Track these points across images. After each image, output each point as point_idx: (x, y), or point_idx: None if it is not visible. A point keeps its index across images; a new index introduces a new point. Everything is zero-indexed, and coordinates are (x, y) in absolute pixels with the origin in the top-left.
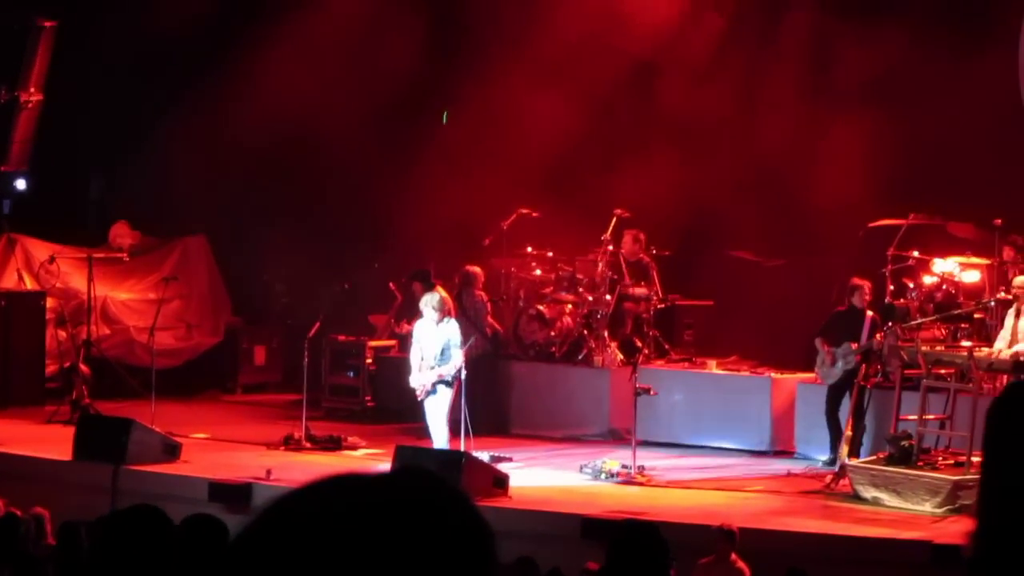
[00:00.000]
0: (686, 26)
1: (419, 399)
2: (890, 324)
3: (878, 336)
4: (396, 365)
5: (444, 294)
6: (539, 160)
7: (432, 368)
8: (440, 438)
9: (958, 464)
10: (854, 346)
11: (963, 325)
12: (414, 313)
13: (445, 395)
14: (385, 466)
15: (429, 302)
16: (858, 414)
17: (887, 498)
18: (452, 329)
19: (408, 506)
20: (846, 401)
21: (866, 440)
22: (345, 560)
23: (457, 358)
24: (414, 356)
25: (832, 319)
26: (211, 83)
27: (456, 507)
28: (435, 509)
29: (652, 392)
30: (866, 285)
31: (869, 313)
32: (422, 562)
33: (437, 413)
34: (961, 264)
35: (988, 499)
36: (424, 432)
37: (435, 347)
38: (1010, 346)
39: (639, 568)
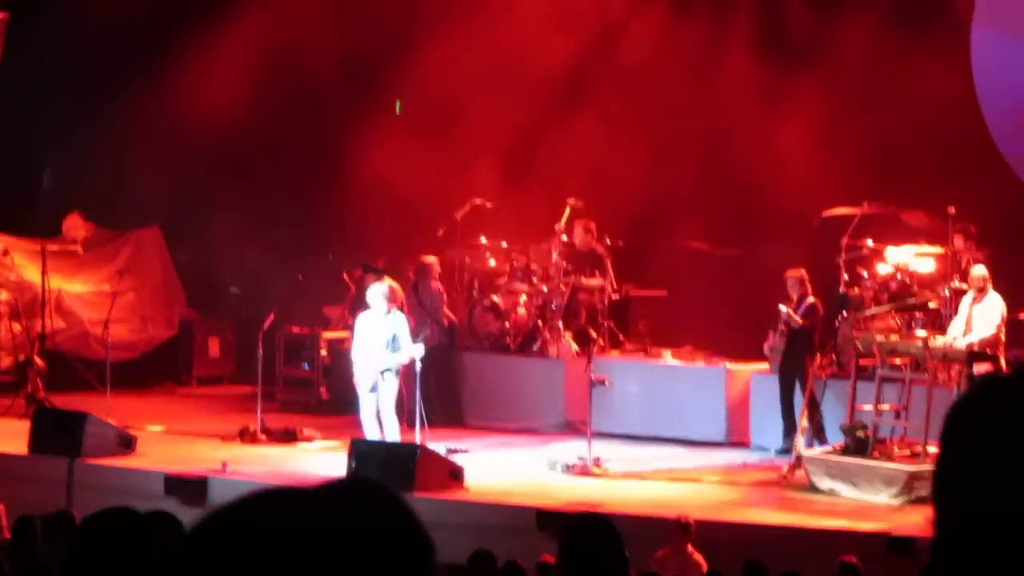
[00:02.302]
0: (638, 13)
1: (359, 391)
2: (844, 314)
3: (781, 307)
4: (351, 357)
5: (393, 284)
6: (492, 149)
7: (378, 360)
8: (391, 430)
9: (914, 454)
10: (782, 314)
11: (918, 314)
12: (367, 305)
13: (392, 384)
14: (339, 460)
15: (377, 291)
16: (812, 404)
17: (843, 489)
18: (399, 320)
19: (346, 519)
20: (800, 392)
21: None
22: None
23: (410, 348)
24: (356, 348)
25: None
26: (163, 73)
27: (396, 520)
28: (374, 524)
29: (607, 383)
30: (796, 274)
31: (809, 300)
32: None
33: (386, 403)
34: (915, 253)
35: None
36: (360, 426)
37: (380, 338)
38: (964, 335)
39: (592, 560)
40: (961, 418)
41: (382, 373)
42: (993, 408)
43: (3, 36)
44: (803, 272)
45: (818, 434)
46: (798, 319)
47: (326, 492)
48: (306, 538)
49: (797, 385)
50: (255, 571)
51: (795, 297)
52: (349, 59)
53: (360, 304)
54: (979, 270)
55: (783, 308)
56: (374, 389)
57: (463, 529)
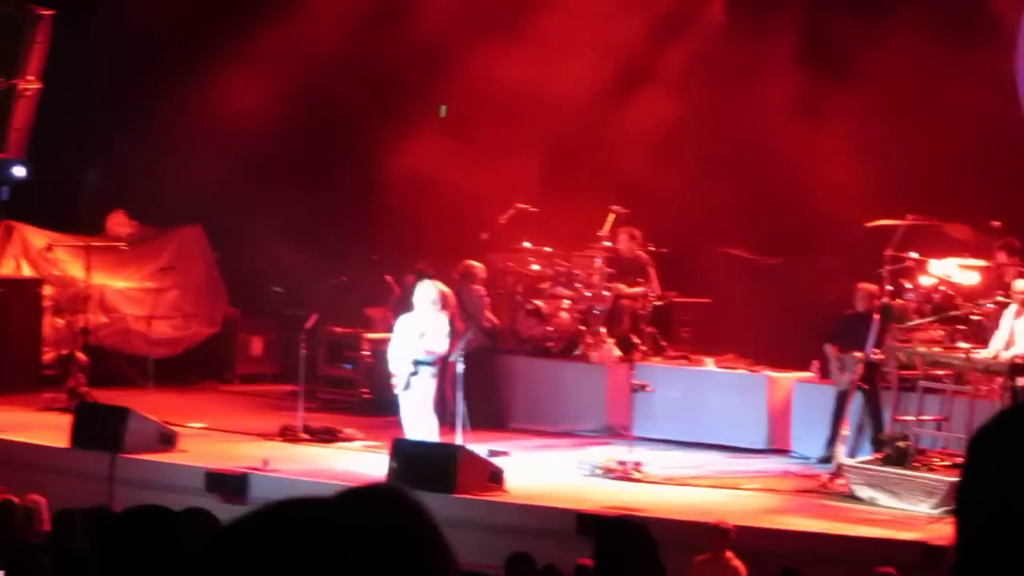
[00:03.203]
0: (683, 22)
1: (396, 391)
2: (887, 325)
3: (876, 352)
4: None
5: (445, 289)
6: (537, 154)
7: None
8: (430, 429)
9: (954, 465)
10: (857, 355)
11: (960, 327)
12: (411, 307)
13: (429, 383)
14: (381, 460)
15: (427, 293)
16: (872, 412)
17: (883, 498)
18: (440, 319)
19: (367, 531)
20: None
21: (863, 440)
22: None
23: (441, 341)
24: (393, 347)
25: (840, 324)
26: (207, 73)
27: (417, 531)
28: (394, 529)
29: (648, 389)
30: (867, 289)
31: (876, 316)
32: None
33: (423, 401)
34: (959, 266)
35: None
36: (400, 426)
37: (414, 334)
38: (1007, 348)
39: (627, 563)
40: (988, 437)
41: (415, 365)
42: (1019, 431)
43: (49, 34)
44: (876, 288)
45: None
46: (879, 357)
47: (346, 498)
48: (326, 544)
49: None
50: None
51: (862, 310)
52: (394, 62)
53: (404, 306)
54: (1022, 284)
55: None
56: (408, 386)
57: (502, 531)
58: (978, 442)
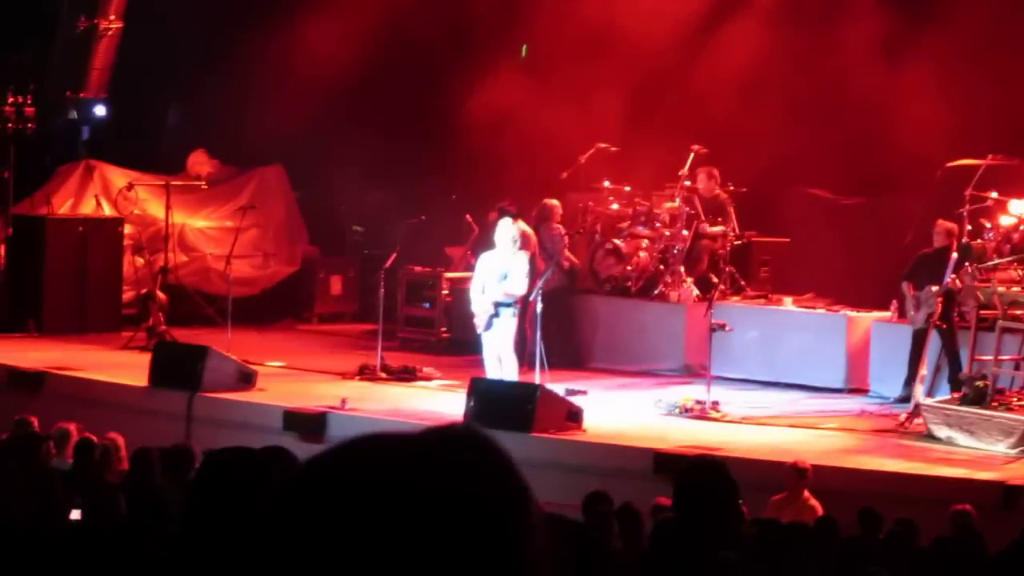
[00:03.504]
0: None
1: (479, 331)
2: (967, 264)
3: (952, 278)
4: (469, 296)
5: (526, 228)
6: (618, 94)
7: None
8: (510, 369)
9: None
10: (934, 288)
11: None
12: (491, 246)
13: (510, 323)
14: (458, 399)
15: (508, 231)
16: (950, 352)
17: (961, 438)
18: (519, 259)
19: (447, 467)
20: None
21: (941, 379)
22: (380, 521)
23: (522, 282)
24: (475, 287)
25: (917, 262)
26: (290, 12)
27: (495, 469)
28: (474, 468)
29: (727, 328)
30: (946, 226)
31: (954, 255)
32: (455, 523)
33: (505, 342)
34: None
35: None
36: (480, 365)
37: (497, 275)
38: None
39: (707, 505)
40: None
41: (496, 307)
42: None
43: None
44: (955, 226)
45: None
46: (954, 281)
47: (425, 438)
48: (407, 479)
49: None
50: (354, 518)
51: (938, 247)
52: (474, 1)
53: (483, 246)
54: None
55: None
56: (490, 326)
57: (579, 471)
58: None
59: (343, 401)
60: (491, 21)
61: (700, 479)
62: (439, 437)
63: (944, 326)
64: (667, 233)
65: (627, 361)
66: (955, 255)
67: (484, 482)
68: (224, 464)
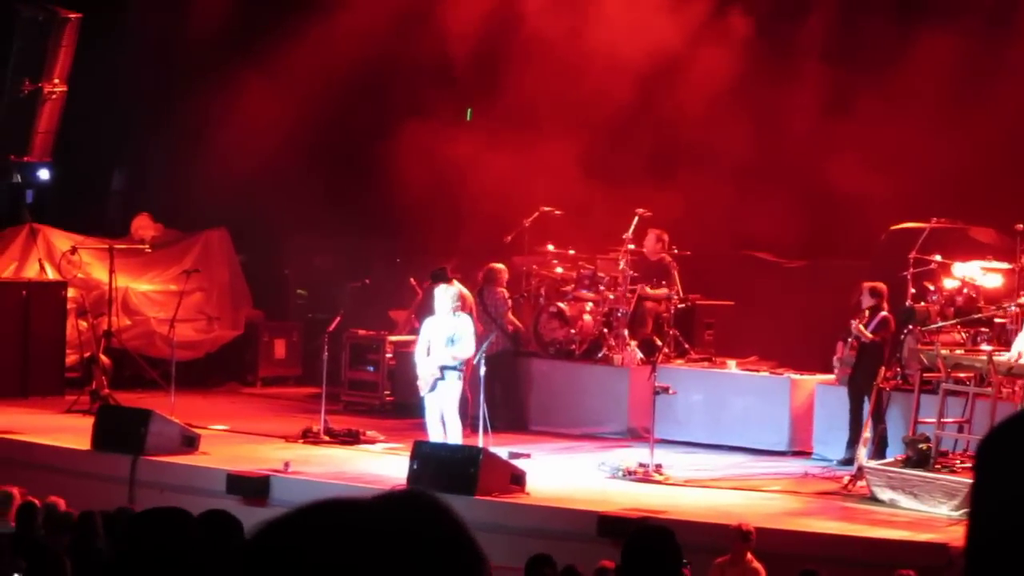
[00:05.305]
0: (711, 29)
1: (422, 394)
2: (910, 327)
3: (855, 324)
4: (414, 359)
5: (463, 289)
6: (562, 158)
7: (438, 358)
8: (454, 432)
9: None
10: (843, 344)
11: (983, 329)
12: (433, 310)
13: (455, 387)
14: (402, 462)
15: (446, 293)
16: (876, 416)
17: (904, 500)
18: (464, 322)
19: (402, 531)
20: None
21: (890, 441)
22: None
23: (469, 346)
24: (419, 350)
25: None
26: (234, 77)
27: (451, 534)
28: (430, 536)
29: (671, 391)
30: (868, 285)
31: (883, 313)
32: None
33: (449, 405)
34: (982, 268)
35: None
36: (424, 428)
37: (443, 338)
38: None
39: (652, 569)
40: (997, 443)
41: (441, 371)
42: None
43: (75, 38)
44: (881, 285)
45: (881, 448)
46: (868, 335)
47: (380, 504)
48: (359, 550)
49: (865, 398)
50: None
51: (867, 308)
52: (420, 66)
53: (427, 309)
54: None
55: (854, 323)
56: (434, 388)
57: (523, 533)
58: (987, 448)
59: (286, 464)
60: (437, 86)
61: (647, 543)
62: (394, 504)
63: (885, 387)
64: (611, 296)
65: (571, 424)
66: (883, 313)
67: (442, 554)
68: (158, 522)
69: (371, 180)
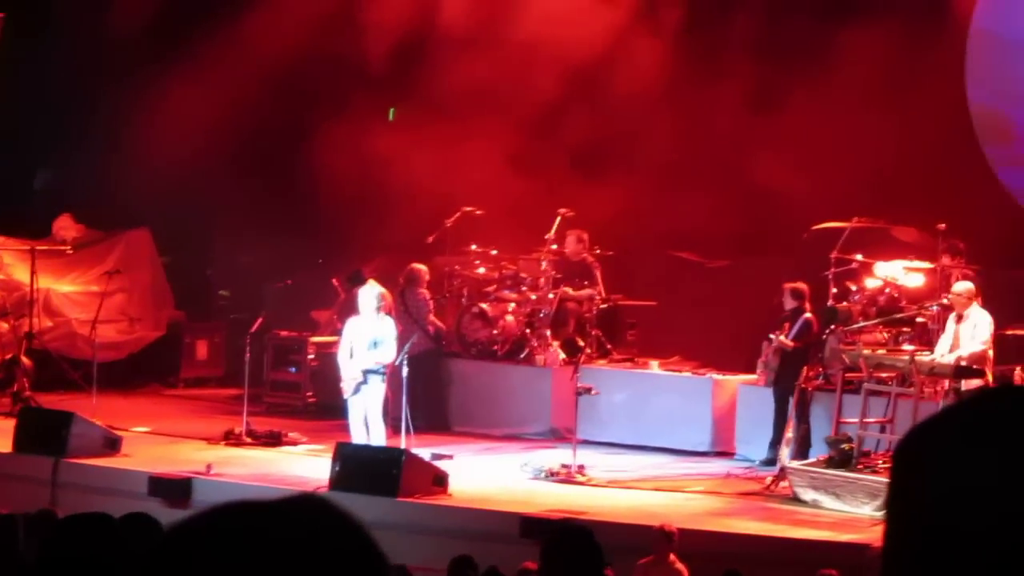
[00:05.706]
0: (636, 27)
1: (346, 396)
2: (832, 327)
3: (777, 334)
4: (338, 361)
5: (383, 290)
6: (485, 156)
7: (361, 361)
8: (377, 433)
9: None
10: (772, 345)
11: (905, 329)
12: (357, 310)
13: (378, 389)
14: (324, 464)
15: (368, 294)
16: (799, 416)
17: (827, 501)
18: (387, 324)
19: (301, 536)
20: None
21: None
22: None
23: (391, 350)
24: (343, 352)
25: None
26: (155, 76)
27: (350, 538)
28: (329, 540)
29: (593, 392)
30: (790, 287)
31: (807, 315)
32: None
33: (373, 408)
34: (905, 268)
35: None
36: (346, 429)
37: (366, 341)
38: (951, 350)
39: (573, 570)
40: (913, 444)
41: (364, 374)
42: (953, 427)
43: None
44: (802, 286)
45: (804, 446)
46: (790, 344)
47: (279, 509)
48: (260, 558)
49: (789, 398)
50: None
51: (789, 309)
52: (342, 65)
53: (349, 310)
54: (961, 286)
55: (774, 336)
56: (357, 391)
57: (446, 535)
58: (905, 449)
59: (208, 466)
60: (359, 86)
61: (567, 544)
62: (294, 508)
63: (807, 388)
64: (533, 297)
65: (493, 425)
66: (806, 315)
67: (340, 558)
68: (81, 526)
69: (294, 180)
